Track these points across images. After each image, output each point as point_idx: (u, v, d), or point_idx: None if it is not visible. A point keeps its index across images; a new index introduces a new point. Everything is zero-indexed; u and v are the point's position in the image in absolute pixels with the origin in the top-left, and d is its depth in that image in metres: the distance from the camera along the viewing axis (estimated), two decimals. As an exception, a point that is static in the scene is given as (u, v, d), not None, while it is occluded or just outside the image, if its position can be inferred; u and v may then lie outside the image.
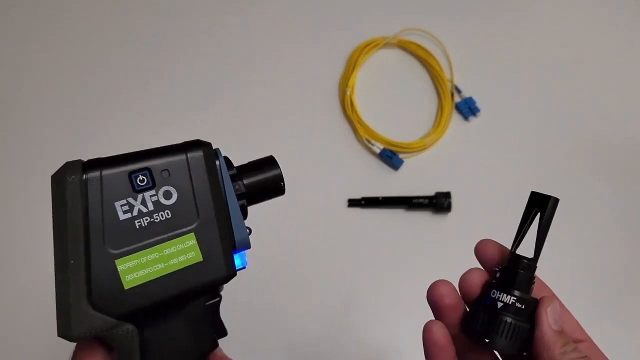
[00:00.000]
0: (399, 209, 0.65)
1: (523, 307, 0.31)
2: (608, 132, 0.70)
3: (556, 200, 0.32)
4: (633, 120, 0.71)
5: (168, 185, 0.29)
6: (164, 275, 0.29)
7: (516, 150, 0.69)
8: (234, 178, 0.32)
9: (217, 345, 0.32)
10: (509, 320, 0.30)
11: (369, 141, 0.68)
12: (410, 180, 0.67)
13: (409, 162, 0.67)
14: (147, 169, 0.29)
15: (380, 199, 0.65)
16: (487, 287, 0.32)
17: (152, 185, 0.29)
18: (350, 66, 0.71)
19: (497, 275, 0.32)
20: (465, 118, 0.70)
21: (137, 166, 0.29)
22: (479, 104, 0.70)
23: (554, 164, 0.68)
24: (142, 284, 0.28)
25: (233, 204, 0.31)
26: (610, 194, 0.67)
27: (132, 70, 0.73)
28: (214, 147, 0.31)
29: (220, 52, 0.74)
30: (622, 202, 0.66)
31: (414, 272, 0.60)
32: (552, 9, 0.77)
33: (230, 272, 0.30)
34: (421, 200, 0.64)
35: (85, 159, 0.29)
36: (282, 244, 0.63)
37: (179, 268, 0.29)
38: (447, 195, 0.64)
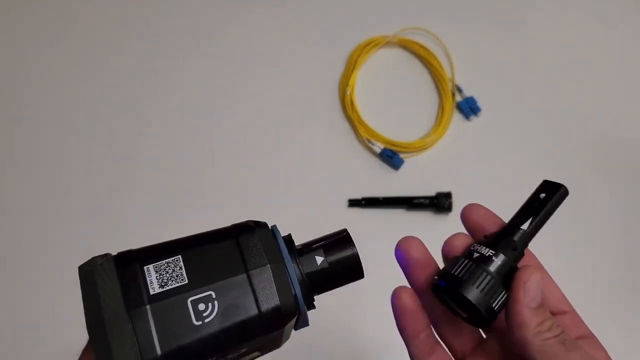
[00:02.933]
0: (400, 209, 0.65)
1: (502, 266, 0.29)
2: (609, 131, 0.69)
3: (566, 190, 0.31)
4: (634, 120, 0.70)
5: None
6: None
7: (517, 150, 0.68)
8: (296, 261, 0.30)
9: None
10: (485, 273, 0.28)
11: (369, 141, 0.67)
12: (411, 180, 0.66)
13: (410, 162, 0.67)
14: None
15: (380, 199, 0.65)
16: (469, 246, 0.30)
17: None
18: (351, 65, 0.71)
19: (485, 237, 0.31)
20: (467, 118, 0.69)
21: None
22: (480, 104, 0.69)
23: (555, 164, 0.68)
24: None
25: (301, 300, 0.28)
26: (612, 194, 0.66)
27: (133, 71, 0.73)
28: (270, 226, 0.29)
29: (220, 52, 0.73)
30: (622, 202, 0.66)
31: (415, 273, 0.60)
32: (553, 8, 0.77)
33: None
34: (422, 200, 0.64)
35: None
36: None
37: None
38: (448, 195, 0.64)
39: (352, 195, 0.65)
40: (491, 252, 0.29)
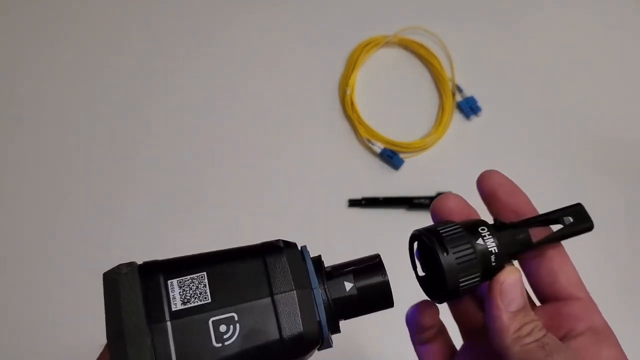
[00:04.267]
0: (400, 209, 0.65)
1: (493, 263, 0.27)
2: (609, 131, 0.69)
3: (592, 228, 0.29)
4: (634, 120, 0.70)
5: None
6: None
7: (518, 150, 0.68)
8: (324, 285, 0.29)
9: None
10: (470, 247, 0.27)
11: (369, 141, 0.67)
12: (411, 180, 0.66)
13: (410, 162, 0.67)
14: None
15: (380, 199, 0.65)
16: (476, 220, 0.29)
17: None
18: (351, 65, 0.71)
19: (494, 220, 0.29)
20: (467, 117, 0.69)
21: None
22: (480, 103, 0.69)
23: (555, 164, 0.67)
24: None
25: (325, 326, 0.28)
26: (612, 194, 0.66)
27: (133, 71, 0.73)
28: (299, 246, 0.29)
29: (220, 52, 0.73)
30: (622, 202, 0.66)
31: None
32: (553, 8, 0.77)
33: None
34: (422, 200, 0.64)
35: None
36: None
37: None
38: (448, 195, 0.64)
39: (352, 195, 0.65)
40: (488, 235, 0.27)
